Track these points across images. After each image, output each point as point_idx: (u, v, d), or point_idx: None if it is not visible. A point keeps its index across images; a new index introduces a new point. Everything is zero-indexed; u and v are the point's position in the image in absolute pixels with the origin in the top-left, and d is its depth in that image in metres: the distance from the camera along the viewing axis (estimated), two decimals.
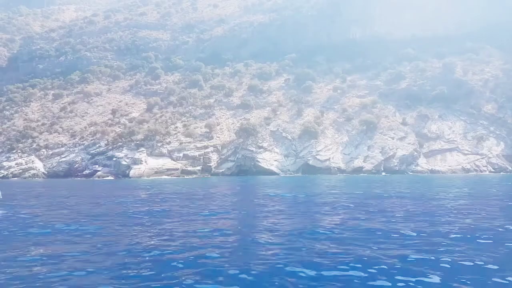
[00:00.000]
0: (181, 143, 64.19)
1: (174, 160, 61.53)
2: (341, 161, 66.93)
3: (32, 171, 65.37)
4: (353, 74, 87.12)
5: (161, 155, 62.28)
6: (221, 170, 63.96)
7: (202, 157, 62.59)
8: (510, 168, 61.13)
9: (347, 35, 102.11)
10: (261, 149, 69.00)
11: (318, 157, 67.31)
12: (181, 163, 60.98)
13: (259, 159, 66.84)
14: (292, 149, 69.59)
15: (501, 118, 69.03)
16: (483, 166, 62.54)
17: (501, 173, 60.44)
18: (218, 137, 68.62)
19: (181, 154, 61.93)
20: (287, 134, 71.78)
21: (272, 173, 64.65)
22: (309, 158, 67.54)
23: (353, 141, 70.43)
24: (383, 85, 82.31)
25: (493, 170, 61.32)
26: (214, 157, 64.39)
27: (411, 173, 63.67)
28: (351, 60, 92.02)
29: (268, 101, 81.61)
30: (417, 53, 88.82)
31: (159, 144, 63.87)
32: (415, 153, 67.29)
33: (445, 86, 76.86)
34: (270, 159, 67.59)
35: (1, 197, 20.86)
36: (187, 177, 58.24)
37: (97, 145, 69.87)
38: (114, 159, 61.94)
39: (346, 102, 79.01)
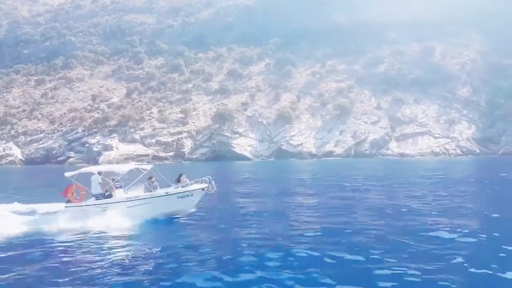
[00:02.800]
0: (154, 129, 65.23)
1: (146, 146, 62.71)
2: (313, 145, 67.82)
3: (10, 158, 66.85)
4: (333, 59, 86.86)
5: (133, 141, 63.42)
6: (195, 156, 65.07)
7: (175, 142, 63.65)
8: (478, 151, 61.80)
9: (331, 19, 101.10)
10: (237, 135, 69.88)
11: (291, 142, 68.19)
12: (153, 149, 62.16)
13: (233, 145, 67.80)
14: (267, 134, 70.45)
15: (475, 101, 69.33)
16: (452, 149, 63.32)
17: (469, 156, 61.14)
18: (194, 122, 69.49)
19: (153, 140, 63.00)
20: (263, 119, 72.49)
21: (245, 158, 65.71)
22: (282, 143, 68.46)
23: (326, 125, 71.14)
24: (362, 69, 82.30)
25: (461, 153, 62.10)
26: (188, 143, 65.43)
27: (380, 157, 64.55)
28: (333, 45, 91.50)
29: (247, 86, 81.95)
30: (398, 37, 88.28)
31: (131, 130, 64.93)
32: (386, 137, 68.04)
33: (422, 70, 76.92)
34: (245, 144, 68.54)
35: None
36: (158, 163, 59.34)
37: (75, 131, 71.04)
38: (87, 145, 63.22)
39: (323, 87, 79.28)
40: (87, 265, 9.61)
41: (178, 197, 15.07)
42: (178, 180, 15.58)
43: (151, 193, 15.00)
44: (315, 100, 76.61)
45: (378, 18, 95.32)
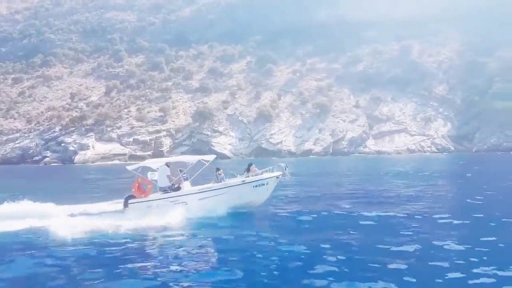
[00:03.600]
0: (132, 128, 64.77)
1: (123, 145, 62.25)
2: (292, 144, 68.24)
3: None
4: (314, 57, 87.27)
5: (110, 140, 62.89)
6: (174, 155, 64.68)
7: (153, 141, 63.34)
8: (453, 148, 63.00)
9: (312, 17, 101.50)
10: (217, 133, 69.87)
11: (271, 140, 68.50)
12: (130, 148, 61.77)
13: (213, 143, 67.77)
14: (247, 133, 70.59)
15: (451, 99, 70.53)
16: (428, 146, 64.44)
17: (444, 153, 62.29)
18: (173, 121, 69.19)
19: (131, 139, 62.58)
20: (244, 118, 72.61)
21: (224, 157, 65.68)
22: (262, 142, 68.71)
23: (306, 124, 71.62)
24: (341, 68, 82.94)
25: (436, 151, 63.24)
26: (167, 142, 65.17)
27: (358, 155, 65.31)
28: (314, 43, 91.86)
29: (228, 85, 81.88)
30: (378, 35, 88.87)
31: (109, 129, 64.35)
32: (364, 135, 68.87)
33: (400, 69, 77.84)
34: (225, 143, 68.58)
35: None
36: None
37: (52, 131, 70.04)
38: (63, 144, 62.43)
39: (304, 85, 79.74)
40: (164, 266, 8.99)
41: (254, 186, 14.18)
42: (248, 170, 14.74)
43: (225, 182, 14.18)
44: (295, 98, 77.00)
45: (358, 16, 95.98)
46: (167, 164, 14.77)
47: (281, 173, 14.57)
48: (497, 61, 68.51)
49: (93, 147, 60.75)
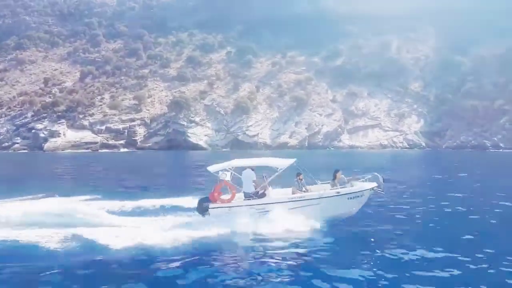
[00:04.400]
0: (105, 115, 63.70)
1: (95, 133, 61.24)
2: (269, 136, 68.49)
3: None
4: (294, 50, 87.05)
5: (82, 127, 61.75)
6: (148, 144, 64.23)
7: (126, 130, 62.49)
8: (424, 144, 64.41)
9: (294, 9, 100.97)
10: (193, 124, 69.45)
11: (247, 132, 68.52)
12: (102, 136, 60.83)
13: (189, 134, 67.40)
14: (223, 124, 70.40)
15: (425, 96, 71.82)
16: (400, 142, 65.72)
17: (415, 149, 63.62)
18: (148, 110, 68.36)
19: (103, 127, 61.60)
20: (221, 109, 72.29)
21: (200, 148, 65.54)
22: (239, 134, 68.68)
23: (283, 117, 71.88)
24: (320, 62, 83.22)
25: (408, 146, 64.53)
26: (141, 131, 64.45)
27: (332, 149, 66.10)
28: (295, 36, 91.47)
29: (207, 74, 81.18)
30: (358, 30, 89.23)
31: (81, 116, 63.14)
32: (339, 129, 69.66)
33: (378, 64, 78.51)
34: (201, 134, 68.29)
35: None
36: (107, 151, 58.35)
37: (24, 116, 68.27)
38: (33, 131, 60.99)
39: (283, 78, 79.73)
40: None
41: (349, 198, 12.83)
42: (334, 177, 13.31)
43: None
44: (273, 91, 77.01)
45: (339, 10, 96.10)
46: (252, 168, 13.35)
47: (376, 185, 13.11)
48: (471, 60, 70.11)
49: (64, 134, 59.57)
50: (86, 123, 62.44)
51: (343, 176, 13.33)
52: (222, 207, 12.68)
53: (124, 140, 61.98)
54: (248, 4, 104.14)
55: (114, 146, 60.15)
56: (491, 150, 56.69)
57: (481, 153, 53.51)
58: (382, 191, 13.27)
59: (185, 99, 71.48)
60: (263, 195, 12.94)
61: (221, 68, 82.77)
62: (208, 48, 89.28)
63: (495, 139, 58.53)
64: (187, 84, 77.58)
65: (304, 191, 13.05)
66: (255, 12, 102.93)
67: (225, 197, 12.76)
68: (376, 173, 13.28)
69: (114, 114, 64.40)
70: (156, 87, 75.01)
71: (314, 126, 69.75)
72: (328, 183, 13.47)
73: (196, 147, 65.32)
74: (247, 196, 12.98)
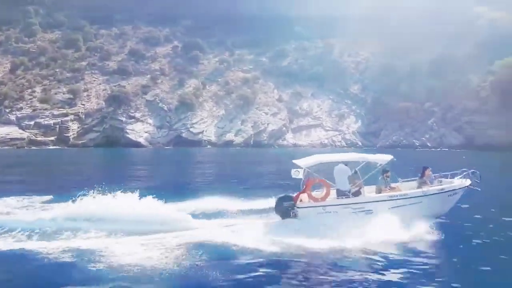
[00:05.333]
0: (34, 110, 59.42)
1: (22, 128, 56.89)
2: (214, 134, 67.91)
3: None
4: (243, 49, 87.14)
5: (8, 122, 57.12)
6: (81, 141, 60.78)
7: (58, 126, 58.67)
8: (361, 144, 67.30)
9: (244, 7, 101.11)
10: (133, 120, 66.98)
11: (192, 129, 67.40)
12: (30, 132, 56.65)
13: (128, 130, 64.90)
14: (166, 121, 68.64)
15: (363, 98, 75.11)
16: (339, 141, 68.21)
17: (352, 148, 66.17)
18: (83, 104, 64.83)
19: (32, 122, 57.39)
20: (164, 105, 70.41)
21: (139, 145, 63.29)
22: (182, 131, 67.34)
23: (229, 115, 71.62)
24: (268, 61, 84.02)
25: (346, 145, 67.10)
26: (74, 127, 60.90)
27: (276, 147, 66.97)
28: (244, 34, 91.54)
29: (150, 69, 78.73)
30: (305, 32, 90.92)
31: (7, 110, 58.38)
32: (284, 128, 70.79)
33: (322, 66, 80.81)
34: (141, 130, 66.03)
35: None
36: (35, 148, 54.29)
37: None
38: None
39: (230, 76, 79.49)
40: None
41: (449, 195, 12.03)
42: (422, 175, 12.56)
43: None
44: (220, 88, 76.52)
45: (288, 11, 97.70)
46: (345, 163, 12.13)
47: (470, 182, 12.34)
48: (406, 65, 74.14)
49: None
50: (13, 117, 57.73)
51: (431, 173, 12.70)
52: (314, 206, 11.36)
53: (55, 137, 58.11)
54: (198, 0, 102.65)
55: (43, 143, 56.14)
56: (419, 149, 60.56)
57: (411, 151, 57.02)
58: (479, 189, 12.54)
59: (125, 94, 68.78)
60: (358, 193, 11.75)
61: (166, 63, 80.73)
62: (153, 42, 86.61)
63: (423, 138, 62.71)
64: (128, 78, 74.65)
65: (389, 190, 12.05)
66: (205, 8, 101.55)
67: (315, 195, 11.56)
68: (475, 170, 12.66)
69: (45, 109, 60.23)
70: (94, 80, 71.36)
71: (260, 125, 70.25)
72: (414, 180, 12.78)
73: (135, 144, 63.01)
74: (341, 194, 11.70)
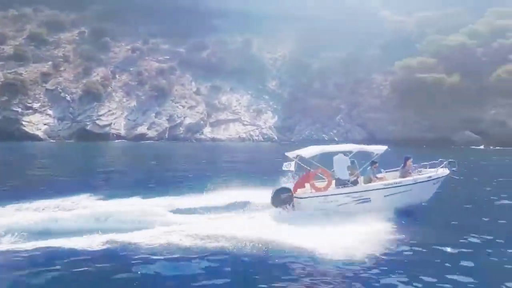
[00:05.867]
0: None
1: None
2: (123, 127, 63.58)
3: None
4: (158, 37, 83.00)
5: None
6: None
7: None
8: (277, 138, 68.51)
9: None
10: (30, 111, 59.75)
11: (98, 122, 62.18)
12: None
13: (24, 122, 57.67)
14: (69, 112, 62.45)
15: (280, 94, 76.55)
16: (256, 135, 68.56)
17: (269, 142, 67.07)
18: None
19: None
20: (67, 95, 63.95)
21: (37, 139, 56.55)
22: (87, 123, 61.81)
23: (142, 107, 67.70)
24: (186, 53, 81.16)
25: (263, 140, 67.80)
26: None
27: (194, 141, 64.98)
28: (161, 23, 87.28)
29: (53, 55, 70.97)
30: (225, 25, 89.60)
31: None
32: (202, 122, 69.04)
33: (241, 61, 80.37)
34: (39, 122, 59.13)
35: None
36: None
37: None
38: None
39: (144, 65, 75.19)
40: None
41: (434, 183, 12.81)
42: (404, 165, 13.19)
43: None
44: (132, 78, 71.95)
45: (208, 3, 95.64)
46: (345, 154, 12.40)
47: (450, 171, 13.22)
48: (319, 63, 77.23)
49: None
50: None
51: (411, 163, 13.30)
52: (317, 196, 11.46)
53: None
54: None
55: None
56: (327, 142, 63.37)
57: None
58: (456, 177, 13.76)
59: (21, 82, 61.00)
60: (355, 182, 12.17)
61: (71, 49, 73.49)
62: (57, 26, 78.16)
63: (331, 133, 65.92)
64: (26, 65, 66.43)
65: (377, 179, 12.56)
66: None
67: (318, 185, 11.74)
68: (452, 160, 13.54)
69: None
70: None
71: (176, 118, 67.55)
72: (396, 170, 13.32)
73: (32, 137, 56.17)
74: (341, 183, 11.99)
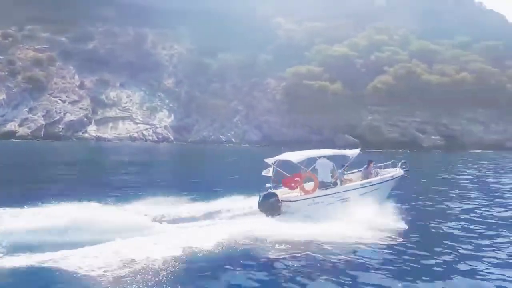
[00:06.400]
0: None
1: None
2: None
3: None
4: (36, 24, 73.11)
5: None
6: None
7: None
8: (173, 138, 66.20)
9: None
10: None
11: None
12: None
13: None
14: None
15: (177, 92, 74.21)
16: (149, 135, 65.27)
17: (164, 142, 64.41)
18: None
19: None
20: None
21: None
22: None
23: (12, 100, 58.87)
24: (68, 43, 73.22)
25: (157, 140, 64.81)
26: None
27: (75, 140, 58.78)
28: (39, 8, 76.37)
29: None
30: (115, 16, 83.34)
31: None
32: (85, 119, 63.04)
33: (134, 55, 75.81)
34: None
35: None
36: None
37: None
38: None
39: (17, 54, 65.54)
40: None
41: (395, 182, 14.25)
42: (368, 166, 14.23)
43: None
44: (2, 67, 62.06)
45: None
46: (327, 158, 13.18)
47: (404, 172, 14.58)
48: (217, 63, 77.05)
49: None
50: None
51: (373, 166, 14.35)
52: (305, 198, 12.14)
53: None
54: None
55: None
56: (225, 144, 63.79)
57: (218, 146, 59.43)
58: (408, 176, 15.04)
59: None
60: (335, 183, 12.89)
61: None
62: None
63: (229, 134, 66.37)
64: None
65: (347, 181, 13.39)
66: None
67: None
68: (404, 161, 14.93)
69: None
70: None
71: (55, 114, 60.42)
72: (356, 172, 14.30)
73: None
74: (324, 185, 12.65)
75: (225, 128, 67.51)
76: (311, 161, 13.14)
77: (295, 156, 12.81)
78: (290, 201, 12.18)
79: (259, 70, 74.69)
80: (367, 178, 13.85)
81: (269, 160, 13.04)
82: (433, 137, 64.27)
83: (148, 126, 66.43)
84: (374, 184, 13.58)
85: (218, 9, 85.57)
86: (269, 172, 12.88)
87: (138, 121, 66.69)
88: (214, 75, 77.16)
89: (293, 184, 12.43)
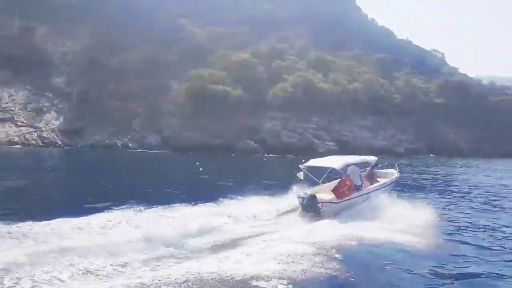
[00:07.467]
0: None
1: None
2: None
3: None
4: None
5: None
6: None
7: None
8: (61, 143, 60.61)
9: None
10: None
11: None
12: None
13: None
14: None
15: (68, 93, 68.19)
16: (33, 139, 58.90)
17: (50, 147, 58.60)
18: None
19: None
20: None
21: None
22: None
23: None
24: None
25: (42, 144, 58.79)
26: None
27: None
28: None
29: None
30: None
31: None
32: None
33: (18, 50, 67.68)
34: None
35: None
36: None
37: None
38: None
39: None
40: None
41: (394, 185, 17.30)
42: (372, 169, 17.08)
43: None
44: None
45: None
46: (356, 165, 15.42)
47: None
48: (116, 64, 72.58)
49: None
50: None
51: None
52: (346, 200, 13.88)
53: None
54: None
55: None
56: (121, 149, 60.31)
57: (117, 151, 56.12)
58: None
59: None
60: (361, 186, 15.23)
61: None
62: None
63: (126, 139, 62.90)
64: None
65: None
66: None
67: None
68: (395, 163, 18.07)
69: None
70: None
71: None
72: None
73: None
74: (356, 188, 14.71)
75: (121, 132, 63.80)
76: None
77: (337, 164, 14.90)
78: (333, 202, 13.77)
79: (161, 71, 72.31)
80: (372, 178, 16.65)
81: (302, 166, 15.26)
82: (327, 143, 68.77)
83: (32, 129, 59.88)
84: (389, 184, 16.85)
85: (121, 5, 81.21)
86: (301, 175, 15.18)
87: (20, 123, 59.73)
88: (112, 75, 72.56)
89: (345, 190, 14.11)
